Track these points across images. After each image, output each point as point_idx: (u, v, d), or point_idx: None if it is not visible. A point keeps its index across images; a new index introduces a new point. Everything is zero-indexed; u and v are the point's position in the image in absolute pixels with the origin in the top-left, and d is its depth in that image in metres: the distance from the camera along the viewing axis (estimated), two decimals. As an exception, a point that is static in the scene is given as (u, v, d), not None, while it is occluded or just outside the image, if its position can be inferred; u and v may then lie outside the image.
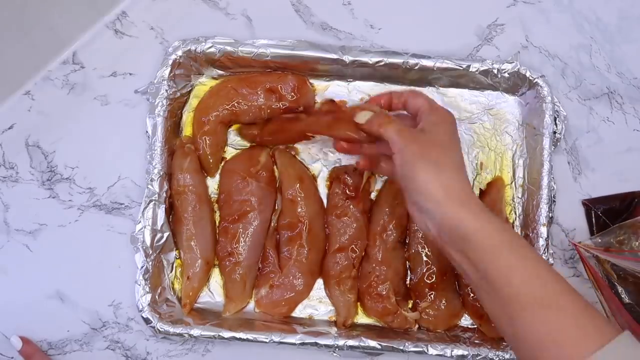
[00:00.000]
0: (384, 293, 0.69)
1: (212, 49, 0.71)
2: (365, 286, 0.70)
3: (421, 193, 0.55)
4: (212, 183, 0.74)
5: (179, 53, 0.71)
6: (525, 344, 0.52)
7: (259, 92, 0.72)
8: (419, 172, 0.55)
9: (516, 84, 0.73)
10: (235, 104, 0.72)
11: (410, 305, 0.72)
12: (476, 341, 0.69)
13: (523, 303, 0.52)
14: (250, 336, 0.67)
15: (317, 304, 0.72)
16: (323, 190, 0.74)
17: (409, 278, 0.72)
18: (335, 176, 0.72)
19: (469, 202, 0.54)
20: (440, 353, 0.67)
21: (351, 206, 0.71)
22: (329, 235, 0.72)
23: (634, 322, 0.68)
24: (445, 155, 0.56)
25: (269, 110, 0.72)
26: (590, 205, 0.73)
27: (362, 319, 0.72)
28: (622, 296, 0.70)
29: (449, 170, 0.56)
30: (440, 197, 0.54)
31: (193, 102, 0.74)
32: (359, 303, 0.71)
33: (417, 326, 0.70)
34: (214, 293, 0.72)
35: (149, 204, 0.69)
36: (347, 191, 0.71)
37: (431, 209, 0.55)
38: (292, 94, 0.72)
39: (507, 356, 0.67)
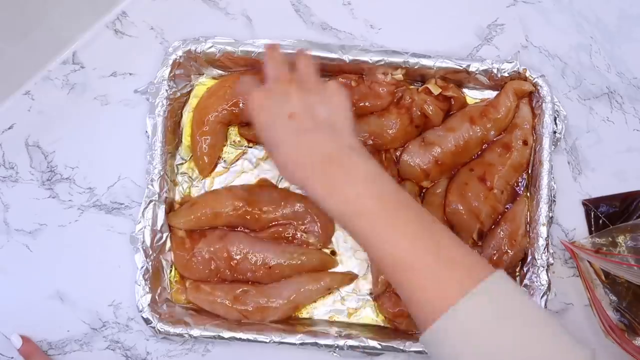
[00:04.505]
0: None
1: (212, 49, 0.71)
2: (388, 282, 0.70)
3: None
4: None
5: (179, 53, 0.71)
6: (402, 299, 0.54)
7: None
8: None
9: (516, 84, 0.73)
10: (234, 104, 0.72)
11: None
12: (476, 341, 0.68)
13: (384, 267, 0.53)
14: (250, 336, 0.67)
15: (317, 304, 0.72)
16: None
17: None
18: None
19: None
20: (441, 353, 0.67)
21: None
22: None
23: (617, 328, 0.68)
24: None
25: None
26: (590, 205, 0.73)
27: (362, 319, 0.72)
28: (611, 297, 0.71)
29: None
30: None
31: (193, 102, 0.74)
32: (375, 302, 0.71)
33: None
34: (214, 293, 0.72)
35: (149, 204, 0.69)
36: None
37: None
38: None
39: (507, 356, 0.67)
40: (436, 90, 0.71)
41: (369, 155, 0.57)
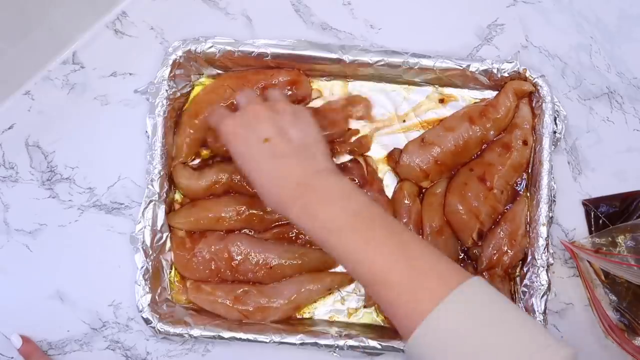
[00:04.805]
0: None
1: (212, 49, 0.71)
2: None
3: None
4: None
5: (179, 53, 0.71)
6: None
7: (256, 91, 0.72)
8: None
9: (516, 84, 0.73)
10: (230, 105, 0.71)
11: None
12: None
13: (362, 282, 0.54)
14: (250, 336, 0.67)
15: (317, 304, 0.72)
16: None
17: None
18: None
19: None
20: (441, 353, 0.67)
21: (368, 192, 0.71)
22: None
23: (616, 328, 0.68)
24: None
25: None
26: (590, 205, 0.73)
27: (362, 319, 0.72)
28: (611, 297, 0.71)
29: None
30: None
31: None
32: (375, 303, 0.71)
33: None
34: (214, 293, 0.72)
35: (149, 204, 0.69)
36: (357, 182, 0.71)
37: None
38: (288, 89, 0.72)
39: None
40: None
41: (342, 175, 0.59)
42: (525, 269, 0.70)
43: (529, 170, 0.72)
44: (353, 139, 0.73)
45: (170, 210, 0.72)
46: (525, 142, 0.71)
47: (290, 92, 0.72)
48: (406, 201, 0.71)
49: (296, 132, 0.59)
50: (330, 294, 0.71)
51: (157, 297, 0.69)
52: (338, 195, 0.56)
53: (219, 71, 0.74)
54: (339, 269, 0.72)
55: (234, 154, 0.60)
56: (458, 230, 0.71)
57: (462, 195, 0.71)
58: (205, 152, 0.74)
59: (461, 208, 0.70)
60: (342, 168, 0.72)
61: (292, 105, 0.62)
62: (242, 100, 0.64)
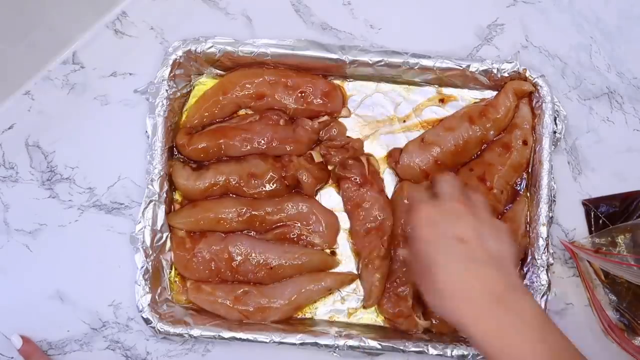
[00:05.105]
0: (403, 295, 0.69)
1: (212, 49, 0.71)
2: (386, 284, 0.70)
3: None
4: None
5: (179, 53, 0.71)
6: None
7: (290, 91, 0.72)
8: None
9: (516, 84, 0.73)
10: (259, 95, 0.72)
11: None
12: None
13: None
14: (250, 336, 0.67)
15: (318, 304, 0.72)
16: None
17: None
18: (338, 177, 0.72)
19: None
20: (441, 353, 0.67)
21: (368, 192, 0.71)
22: (354, 225, 0.71)
23: (616, 328, 0.68)
24: None
25: (292, 110, 0.72)
26: (590, 205, 0.73)
27: (362, 319, 0.72)
28: (611, 297, 0.71)
29: None
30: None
31: (193, 102, 0.74)
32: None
33: (421, 330, 0.70)
34: (214, 293, 0.72)
35: (149, 204, 0.69)
36: (357, 181, 0.71)
37: None
38: (320, 99, 0.72)
39: (507, 356, 0.67)
40: (317, 158, 0.72)
41: (531, 296, 0.56)
42: (525, 269, 0.70)
43: (529, 170, 0.72)
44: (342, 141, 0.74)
45: (170, 210, 0.72)
46: (525, 142, 0.71)
47: (321, 102, 0.72)
48: (406, 201, 0.71)
49: (494, 242, 0.56)
50: (330, 294, 0.71)
51: (157, 297, 0.69)
52: (534, 323, 0.52)
53: (219, 71, 0.74)
54: (339, 269, 0.73)
55: (419, 240, 0.57)
56: None
57: None
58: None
59: None
60: (343, 166, 0.72)
61: (491, 216, 0.60)
62: (444, 187, 0.61)
